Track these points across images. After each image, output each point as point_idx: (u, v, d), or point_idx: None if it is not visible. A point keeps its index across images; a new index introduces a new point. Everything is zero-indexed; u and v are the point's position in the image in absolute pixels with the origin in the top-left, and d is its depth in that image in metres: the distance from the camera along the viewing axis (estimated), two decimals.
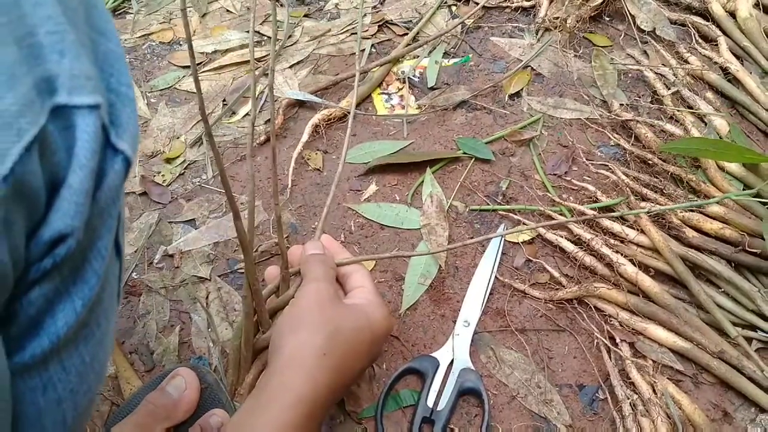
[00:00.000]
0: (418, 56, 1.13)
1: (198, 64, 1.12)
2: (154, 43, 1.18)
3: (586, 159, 0.94)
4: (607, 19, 1.18)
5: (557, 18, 1.14)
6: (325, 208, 0.75)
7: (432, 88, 1.07)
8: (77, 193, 0.34)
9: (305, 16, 1.23)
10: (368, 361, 0.64)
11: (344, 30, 1.19)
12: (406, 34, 1.16)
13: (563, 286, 0.80)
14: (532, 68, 1.09)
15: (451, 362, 0.74)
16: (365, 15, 1.22)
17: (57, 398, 0.38)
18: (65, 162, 0.33)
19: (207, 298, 0.80)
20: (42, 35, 0.32)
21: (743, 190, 0.86)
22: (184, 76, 1.10)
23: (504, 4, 1.22)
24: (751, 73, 1.02)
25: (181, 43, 1.17)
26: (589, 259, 0.81)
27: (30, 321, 0.35)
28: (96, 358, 0.40)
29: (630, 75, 1.07)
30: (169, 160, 0.96)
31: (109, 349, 0.43)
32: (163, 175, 0.94)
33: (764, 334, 0.75)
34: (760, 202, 0.83)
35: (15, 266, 0.32)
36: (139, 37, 1.19)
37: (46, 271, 0.34)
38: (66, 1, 0.34)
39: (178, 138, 0.99)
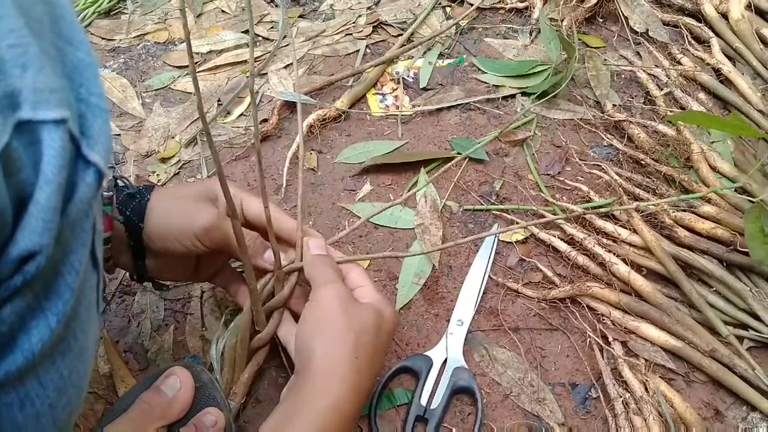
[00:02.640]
0: (413, 57, 1.13)
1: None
2: (149, 44, 1.18)
3: (579, 159, 0.94)
4: (601, 20, 1.19)
5: (551, 19, 1.15)
6: (299, 197, 0.76)
7: (426, 89, 1.08)
8: (44, 209, 0.33)
9: (300, 16, 1.24)
10: (384, 359, 0.65)
11: (339, 30, 1.19)
12: (401, 34, 1.17)
13: (556, 286, 0.81)
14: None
15: (445, 361, 0.74)
16: (360, 16, 1.22)
17: (35, 413, 0.37)
18: (32, 178, 0.33)
19: (201, 297, 0.80)
20: (3, 49, 0.31)
21: (734, 190, 0.87)
22: (179, 76, 1.10)
23: (498, 6, 1.23)
24: (743, 74, 1.03)
25: (176, 43, 1.18)
26: (581, 259, 0.82)
27: (2, 338, 0.34)
28: (74, 372, 0.39)
29: (623, 76, 1.08)
30: (164, 160, 0.96)
31: (89, 361, 0.42)
32: (158, 175, 0.94)
33: (755, 333, 0.76)
34: (748, 200, 0.84)
35: None
36: (134, 37, 1.19)
37: (16, 289, 0.33)
38: (29, 12, 0.34)
39: (173, 138, 1.00)
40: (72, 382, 0.39)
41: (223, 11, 1.25)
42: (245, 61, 1.13)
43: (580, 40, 1.15)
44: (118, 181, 0.66)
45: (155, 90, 1.08)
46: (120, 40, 1.18)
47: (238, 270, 0.75)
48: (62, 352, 0.37)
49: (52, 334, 0.35)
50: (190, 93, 1.07)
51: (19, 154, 0.32)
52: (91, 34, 1.19)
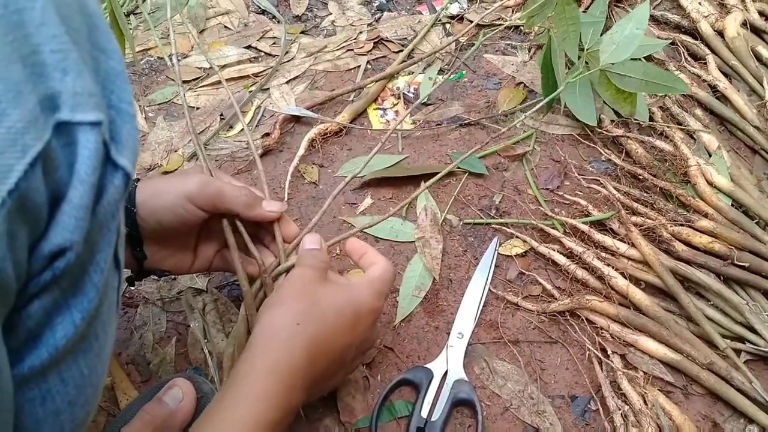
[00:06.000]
0: (413, 73, 1.15)
1: (196, 79, 1.13)
2: (152, 58, 1.19)
3: (578, 174, 0.95)
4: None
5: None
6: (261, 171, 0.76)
7: (426, 104, 1.09)
8: (77, 207, 0.34)
9: (302, 32, 1.25)
10: (352, 341, 0.63)
11: (340, 46, 1.21)
12: (402, 50, 1.18)
13: (555, 299, 0.82)
14: (524, 85, 1.11)
15: (445, 373, 0.75)
16: (361, 32, 1.24)
17: (55, 410, 0.38)
18: (67, 177, 0.34)
19: (204, 309, 0.81)
20: (46, 54, 0.33)
21: (731, 205, 0.88)
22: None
23: (497, 23, 1.24)
24: (738, 90, 1.05)
25: (179, 58, 1.19)
26: (581, 272, 0.83)
27: (29, 333, 0.35)
28: (94, 371, 0.40)
29: None
30: (166, 174, 0.97)
31: (107, 361, 0.43)
32: None
33: (752, 346, 0.76)
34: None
35: (18, 280, 0.33)
36: (138, 52, 1.20)
37: (45, 284, 0.35)
38: (69, 21, 0.35)
39: (175, 151, 1.00)
40: (91, 381, 0.40)
41: (225, 27, 1.26)
42: (248, 76, 1.14)
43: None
44: None
45: (158, 104, 1.09)
46: (124, 54, 1.19)
47: (235, 283, 0.75)
48: (84, 350, 0.39)
49: (76, 331, 0.37)
50: (193, 107, 1.08)
51: (56, 154, 0.33)
52: None
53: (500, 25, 1.22)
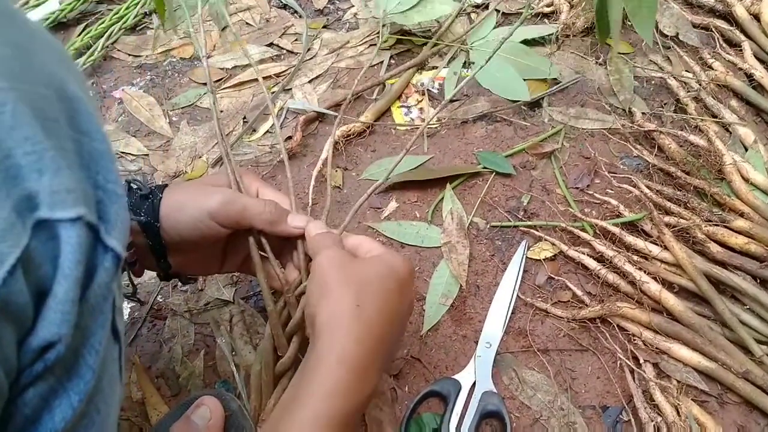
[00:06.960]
0: (437, 67, 1.12)
1: (218, 80, 1.13)
2: (174, 59, 1.18)
3: (609, 172, 0.92)
4: (629, 24, 1.16)
5: (576, 24, 1.13)
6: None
7: (451, 100, 1.07)
8: (63, 302, 0.34)
9: (324, 27, 1.23)
10: (402, 309, 0.62)
11: (363, 41, 1.19)
12: (425, 44, 1.16)
13: (586, 305, 0.80)
14: (554, 79, 1.08)
15: (473, 385, 0.74)
16: (384, 25, 1.22)
17: None
18: (51, 272, 0.34)
19: (231, 321, 0.81)
20: (19, 156, 0.33)
21: None
22: (205, 93, 1.10)
23: (524, 11, 1.21)
24: None
25: (201, 59, 1.18)
26: (612, 277, 0.81)
27: (26, 420, 0.35)
28: None
29: (653, 82, 1.06)
30: (191, 180, 0.97)
31: (111, 427, 0.43)
32: None
33: None
34: None
35: (8, 375, 0.33)
36: (160, 53, 1.20)
37: (38, 374, 0.35)
38: (45, 113, 0.35)
39: (200, 157, 1.00)
40: None
41: (247, 23, 1.25)
42: (270, 77, 1.13)
43: (608, 44, 1.13)
44: (132, 184, 0.67)
45: (182, 108, 1.09)
46: (146, 56, 1.19)
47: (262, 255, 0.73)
48: (85, 425, 0.39)
49: (75, 413, 0.37)
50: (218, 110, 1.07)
51: (38, 252, 0.34)
52: (118, 50, 1.20)
53: (528, 12, 1.19)
